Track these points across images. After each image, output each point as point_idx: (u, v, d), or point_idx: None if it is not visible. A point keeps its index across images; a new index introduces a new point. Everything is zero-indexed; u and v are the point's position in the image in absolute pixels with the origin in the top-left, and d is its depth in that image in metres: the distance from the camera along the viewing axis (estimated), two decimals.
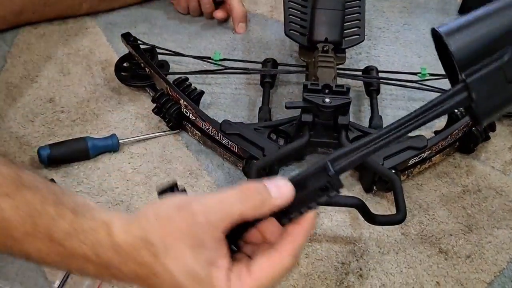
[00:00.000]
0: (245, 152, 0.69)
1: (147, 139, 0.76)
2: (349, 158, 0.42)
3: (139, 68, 0.82)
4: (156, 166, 0.73)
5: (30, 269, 0.60)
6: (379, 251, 0.64)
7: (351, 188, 0.71)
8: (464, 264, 0.63)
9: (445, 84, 0.83)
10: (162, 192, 0.45)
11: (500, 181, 0.72)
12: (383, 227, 0.66)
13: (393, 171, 0.66)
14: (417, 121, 0.43)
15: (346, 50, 0.82)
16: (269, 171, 0.69)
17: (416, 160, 0.70)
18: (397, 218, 0.60)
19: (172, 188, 0.45)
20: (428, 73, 0.83)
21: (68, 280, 0.59)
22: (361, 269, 0.62)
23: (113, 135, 0.74)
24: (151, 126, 0.78)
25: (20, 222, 0.41)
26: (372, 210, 0.62)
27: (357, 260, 0.63)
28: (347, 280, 0.61)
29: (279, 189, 0.41)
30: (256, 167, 0.63)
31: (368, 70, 0.83)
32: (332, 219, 0.67)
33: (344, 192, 0.70)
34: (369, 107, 0.79)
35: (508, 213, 0.68)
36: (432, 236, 0.66)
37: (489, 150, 0.77)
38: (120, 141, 0.74)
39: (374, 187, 0.69)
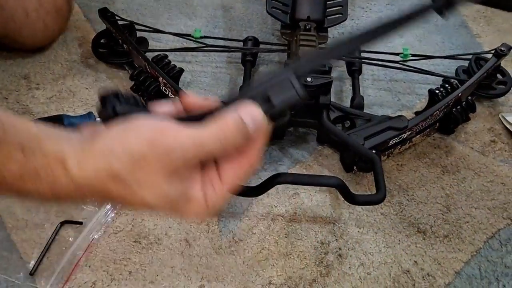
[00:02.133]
0: None
1: None
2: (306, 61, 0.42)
3: (117, 45, 0.80)
4: None
5: (5, 249, 0.59)
6: (358, 231, 0.64)
7: (331, 168, 0.71)
8: (441, 243, 0.63)
9: (426, 64, 0.83)
10: (105, 115, 0.38)
11: (479, 162, 0.73)
12: (363, 207, 0.66)
13: (374, 151, 0.66)
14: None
15: (329, 29, 0.81)
16: None
17: (397, 141, 0.69)
18: (377, 198, 0.60)
19: (114, 98, 0.38)
20: (410, 54, 0.82)
21: (44, 260, 0.58)
22: (340, 249, 0.62)
23: (90, 113, 0.72)
24: None
25: None
26: (352, 190, 0.61)
27: (336, 239, 0.63)
28: (326, 260, 0.61)
29: (255, 121, 0.39)
30: None
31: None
32: (312, 199, 0.67)
33: (324, 172, 0.70)
34: (351, 87, 0.79)
35: (486, 194, 0.69)
36: (411, 216, 0.66)
37: (469, 131, 0.77)
38: (97, 119, 0.72)
39: (355, 167, 0.69)
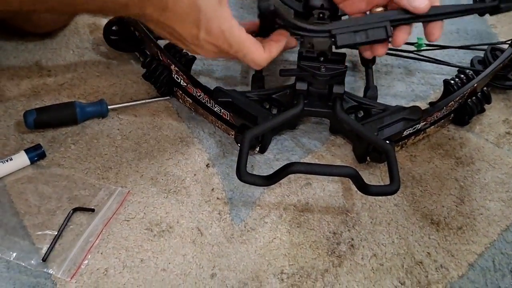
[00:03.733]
0: (238, 120, 0.67)
1: (136, 105, 0.74)
2: None
3: (129, 32, 0.79)
4: (145, 133, 0.71)
5: (18, 235, 0.59)
6: (371, 222, 0.64)
7: (344, 158, 0.70)
8: (455, 235, 0.63)
9: (440, 55, 0.83)
10: None
11: (494, 154, 0.72)
12: (376, 198, 0.66)
13: (387, 142, 0.65)
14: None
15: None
16: (262, 139, 0.68)
17: (411, 131, 0.69)
18: (391, 189, 0.59)
19: None
20: (425, 43, 0.81)
21: (56, 246, 0.58)
22: (352, 239, 0.62)
23: (102, 100, 0.72)
24: (141, 92, 0.76)
25: None
26: (366, 181, 0.61)
27: (349, 230, 0.63)
28: (339, 250, 0.61)
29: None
30: (250, 136, 0.62)
31: None
32: (325, 189, 0.66)
33: (337, 162, 0.69)
34: (365, 77, 0.78)
35: (500, 186, 0.68)
36: (424, 207, 0.65)
37: (484, 123, 0.76)
38: (109, 107, 0.72)
39: (368, 158, 0.68)
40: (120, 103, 0.73)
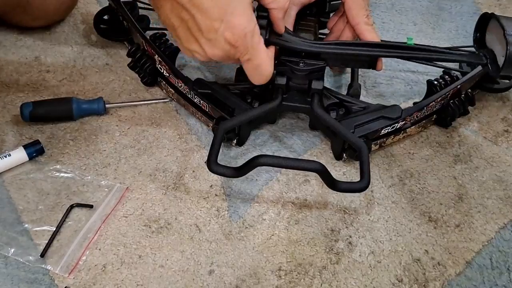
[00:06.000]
0: (216, 111, 0.68)
1: (135, 105, 0.74)
2: None
3: (118, 21, 0.79)
4: (144, 129, 0.71)
5: (16, 231, 0.59)
6: (369, 219, 0.64)
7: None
8: (453, 233, 0.63)
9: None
10: None
11: (492, 152, 0.72)
12: (374, 195, 0.66)
13: (364, 139, 0.65)
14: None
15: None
16: (238, 132, 0.67)
17: (389, 130, 0.68)
18: (360, 186, 0.59)
19: None
20: (414, 43, 0.81)
21: (54, 242, 0.58)
22: (350, 236, 0.62)
23: (100, 99, 0.71)
24: (140, 89, 0.76)
25: None
26: (342, 178, 0.60)
27: (346, 227, 0.63)
28: (337, 247, 0.61)
29: None
30: (223, 127, 0.62)
31: None
32: (323, 186, 0.66)
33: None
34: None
35: (498, 184, 0.68)
36: (422, 205, 0.66)
37: (482, 121, 0.76)
38: (106, 105, 0.72)
39: (344, 155, 0.68)
40: (118, 103, 0.73)
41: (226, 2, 0.52)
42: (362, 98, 0.74)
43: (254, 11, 0.57)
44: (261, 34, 0.58)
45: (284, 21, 0.62)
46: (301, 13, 0.72)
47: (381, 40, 0.80)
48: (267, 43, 0.60)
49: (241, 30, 0.54)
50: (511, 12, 0.96)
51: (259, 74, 0.59)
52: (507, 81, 0.79)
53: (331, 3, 0.78)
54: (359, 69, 0.78)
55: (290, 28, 0.68)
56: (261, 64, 0.58)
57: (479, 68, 0.72)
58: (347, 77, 0.80)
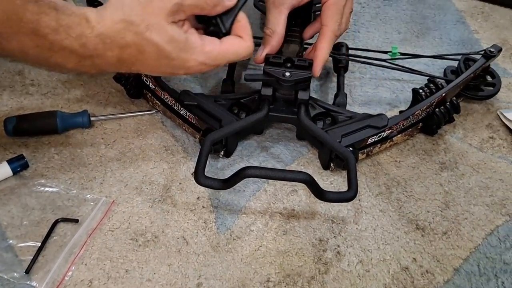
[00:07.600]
0: (202, 124, 0.67)
1: (120, 118, 0.73)
2: None
3: None
4: (130, 142, 0.71)
5: (0, 247, 0.58)
6: (357, 228, 0.64)
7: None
8: (440, 240, 0.63)
9: (414, 63, 0.83)
10: None
11: (477, 158, 0.73)
12: (361, 204, 0.66)
13: (351, 149, 0.65)
14: None
15: None
16: (225, 143, 0.67)
17: (376, 139, 0.69)
18: (347, 196, 0.59)
19: None
20: (399, 52, 0.81)
21: (39, 258, 0.58)
22: (338, 246, 0.62)
23: (85, 112, 0.71)
24: (125, 101, 0.76)
25: (5, 18, 0.45)
26: (330, 188, 0.60)
27: (335, 237, 0.63)
28: (325, 257, 0.61)
29: None
30: (210, 139, 0.62)
31: (338, 47, 0.81)
32: (310, 196, 0.66)
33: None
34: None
35: (484, 190, 0.69)
36: (409, 212, 0.66)
37: (467, 128, 0.77)
38: (91, 118, 0.71)
39: (332, 165, 0.68)
40: (103, 116, 0.73)
41: (165, 54, 0.51)
42: (348, 107, 0.75)
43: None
44: (219, 28, 0.56)
45: (276, 23, 0.65)
46: (287, 23, 0.72)
47: (365, 50, 0.81)
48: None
49: (196, 64, 0.54)
50: (494, 20, 0.97)
51: (242, 58, 0.57)
52: (491, 88, 0.80)
53: (316, 13, 0.79)
54: (345, 79, 0.78)
55: (283, 29, 0.67)
56: (235, 56, 0.56)
57: (466, 75, 0.74)
58: (333, 86, 0.81)
